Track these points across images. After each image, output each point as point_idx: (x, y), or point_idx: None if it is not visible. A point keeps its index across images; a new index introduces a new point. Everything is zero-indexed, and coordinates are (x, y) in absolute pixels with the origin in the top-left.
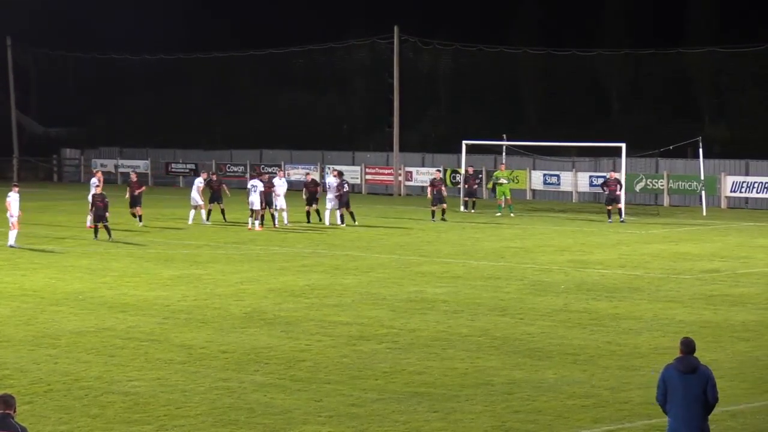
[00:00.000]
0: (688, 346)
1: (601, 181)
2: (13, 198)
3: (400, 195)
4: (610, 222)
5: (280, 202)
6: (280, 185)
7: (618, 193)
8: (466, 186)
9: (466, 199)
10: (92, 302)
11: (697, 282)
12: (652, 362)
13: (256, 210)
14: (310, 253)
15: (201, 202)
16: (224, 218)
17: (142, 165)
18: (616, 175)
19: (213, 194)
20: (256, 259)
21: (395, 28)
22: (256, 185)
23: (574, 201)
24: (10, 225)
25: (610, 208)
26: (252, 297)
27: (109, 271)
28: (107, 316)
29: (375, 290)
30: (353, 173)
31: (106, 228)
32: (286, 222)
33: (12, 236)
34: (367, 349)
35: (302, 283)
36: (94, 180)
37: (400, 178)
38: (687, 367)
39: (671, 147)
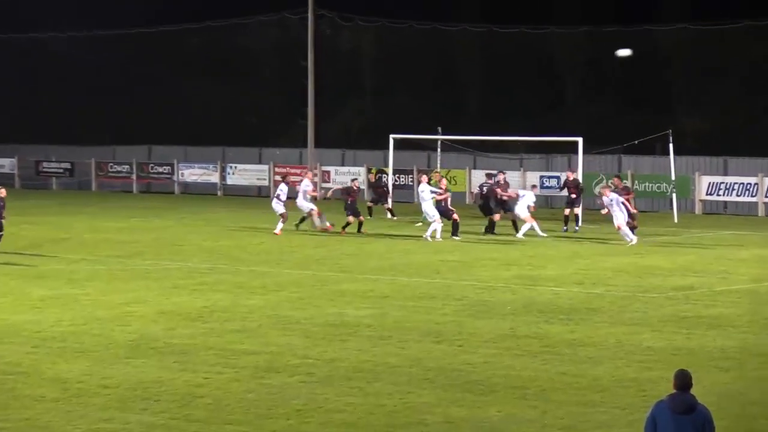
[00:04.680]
0: (682, 380)
1: (554, 181)
2: None
3: (316, 198)
4: (565, 230)
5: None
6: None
7: (576, 196)
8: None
9: (371, 204)
10: None
11: (667, 301)
12: (614, 397)
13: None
14: (208, 269)
15: (314, 208)
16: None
17: (8, 164)
18: (574, 175)
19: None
20: (144, 276)
21: (309, 1)
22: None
23: None
24: None
25: (567, 213)
26: (139, 321)
27: None
28: None
29: (286, 313)
30: (260, 174)
31: None
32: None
33: None
34: (276, 383)
35: (199, 304)
36: (307, 183)
37: (316, 179)
38: (681, 407)
39: (636, 142)
